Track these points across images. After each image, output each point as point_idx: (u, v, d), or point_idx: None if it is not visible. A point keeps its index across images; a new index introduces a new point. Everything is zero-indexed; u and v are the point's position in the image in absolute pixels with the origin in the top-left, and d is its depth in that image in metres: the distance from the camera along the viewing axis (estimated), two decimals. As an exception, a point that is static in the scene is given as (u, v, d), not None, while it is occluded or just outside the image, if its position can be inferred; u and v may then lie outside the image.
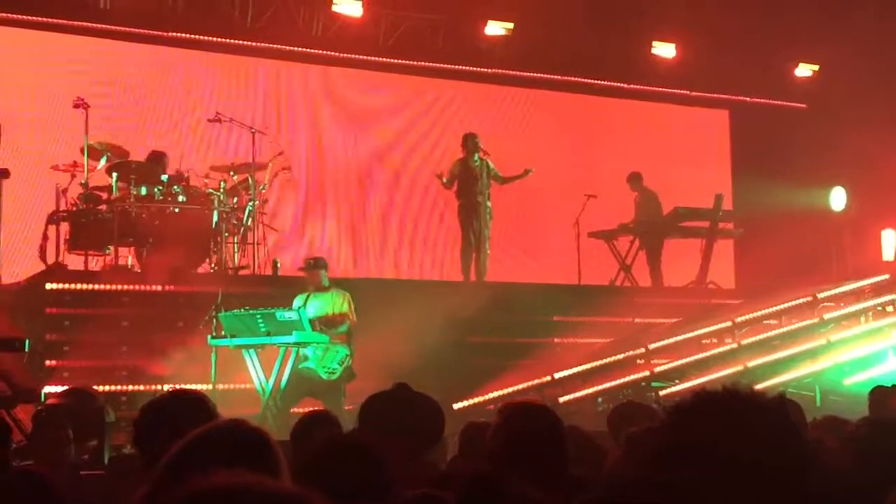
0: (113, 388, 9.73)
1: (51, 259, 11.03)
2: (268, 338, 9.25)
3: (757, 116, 17.85)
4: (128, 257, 11.44)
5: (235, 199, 11.62)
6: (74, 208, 11.08)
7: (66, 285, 10.38)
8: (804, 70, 17.55)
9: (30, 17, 14.00)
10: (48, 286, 10.33)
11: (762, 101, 18.11)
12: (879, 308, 13.11)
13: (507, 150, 13.86)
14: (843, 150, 16.27)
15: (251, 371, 9.46)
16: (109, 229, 10.79)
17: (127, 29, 14.42)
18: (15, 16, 13.89)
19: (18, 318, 9.79)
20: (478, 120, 15.28)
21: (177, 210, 11.04)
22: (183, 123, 14.70)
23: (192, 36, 14.87)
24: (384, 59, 15.92)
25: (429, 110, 16.39)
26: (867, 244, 16.46)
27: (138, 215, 10.89)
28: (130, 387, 9.89)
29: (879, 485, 2.76)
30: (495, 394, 10.46)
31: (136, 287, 10.50)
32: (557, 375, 10.98)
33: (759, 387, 9.36)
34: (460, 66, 16.42)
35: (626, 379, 11.29)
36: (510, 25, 15.80)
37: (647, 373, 11.44)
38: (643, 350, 11.67)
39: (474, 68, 16.46)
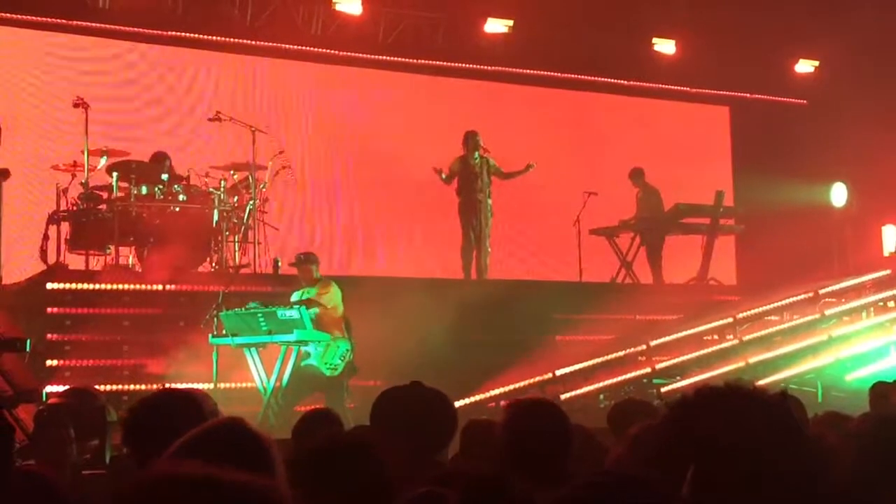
0: (114, 387, 9.73)
1: (51, 259, 11.03)
2: (269, 336, 9.25)
3: (757, 113, 17.86)
4: (129, 257, 11.45)
5: (236, 198, 11.62)
6: (75, 208, 11.08)
7: (67, 285, 10.38)
8: (804, 66, 17.54)
9: (30, 17, 14.00)
10: (49, 286, 10.33)
11: (763, 97, 18.11)
12: (881, 304, 13.12)
13: (507, 147, 13.85)
14: (844, 145, 16.27)
15: (252, 370, 9.46)
16: (110, 229, 10.79)
17: (126, 28, 14.43)
18: (15, 16, 13.89)
19: (19, 317, 9.78)
20: (478, 118, 15.24)
21: (177, 209, 11.05)
22: (183, 122, 14.70)
23: (192, 35, 14.87)
24: (384, 58, 15.91)
25: (428, 108, 16.38)
26: (868, 240, 16.45)
27: (139, 214, 10.89)
28: (132, 386, 9.89)
29: (881, 481, 2.76)
30: (496, 391, 10.47)
31: (137, 286, 10.50)
32: (559, 372, 10.99)
33: (760, 383, 9.36)
34: (460, 64, 16.42)
35: (628, 376, 11.30)
36: (510, 23, 15.80)
37: (648, 369, 11.46)
38: (645, 347, 11.68)
39: (474, 66, 16.46)
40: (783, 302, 12.77)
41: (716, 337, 12.35)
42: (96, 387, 8.03)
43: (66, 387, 8.16)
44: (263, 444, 2.30)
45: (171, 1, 14.73)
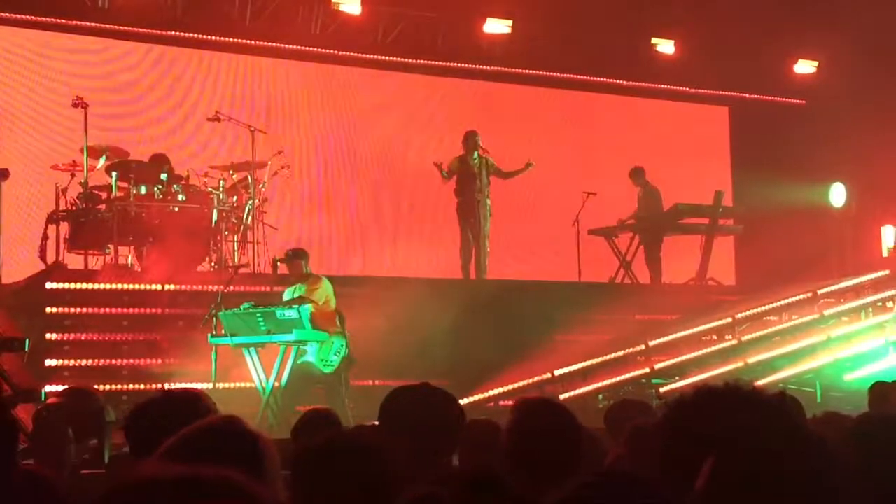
0: (113, 387, 9.72)
1: (51, 258, 11.03)
2: (268, 336, 9.24)
3: (757, 113, 17.85)
4: (128, 256, 11.45)
5: (235, 198, 11.63)
6: (74, 208, 11.08)
7: (66, 285, 10.39)
8: (804, 67, 17.53)
9: (30, 17, 13.99)
10: (48, 286, 10.33)
11: (762, 97, 18.11)
12: (879, 304, 13.13)
13: (506, 147, 13.85)
14: (843, 146, 16.28)
15: (251, 369, 9.45)
16: (109, 228, 10.79)
17: (126, 28, 14.42)
18: (15, 16, 13.88)
19: (18, 317, 9.79)
20: (477, 118, 15.24)
21: (176, 209, 11.05)
22: (182, 122, 14.70)
23: (191, 35, 14.87)
24: (383, 57, 15.91)
25: (428, 108, 16.38)
26: (867, 240, 16.47)
27: (138, 214, 10.89)
28: (131, 386, 9.88)
29: (880, 481, 2.76)
30: (495, 391, 10.46)
31: (136, 286, 10.50)
32: (558, 372, 10.99)
33: (759, 383, 9.35)
34: (459, 64, 16.41)
35: (627, 376, 11.30)
36: (509, 23, 15.79)
37: (647, 370, 11.45)
38: (643, 347, 11.67)
39: (473, 66, 16.46)
40: (782, 302, 12.78)
41: (715, 337, 12.35)
42: (95, 386, 8.04)
43: (65, 386, 8.16)
44: (254, 443, 2.29)
45: (171, 1, 14.73)
